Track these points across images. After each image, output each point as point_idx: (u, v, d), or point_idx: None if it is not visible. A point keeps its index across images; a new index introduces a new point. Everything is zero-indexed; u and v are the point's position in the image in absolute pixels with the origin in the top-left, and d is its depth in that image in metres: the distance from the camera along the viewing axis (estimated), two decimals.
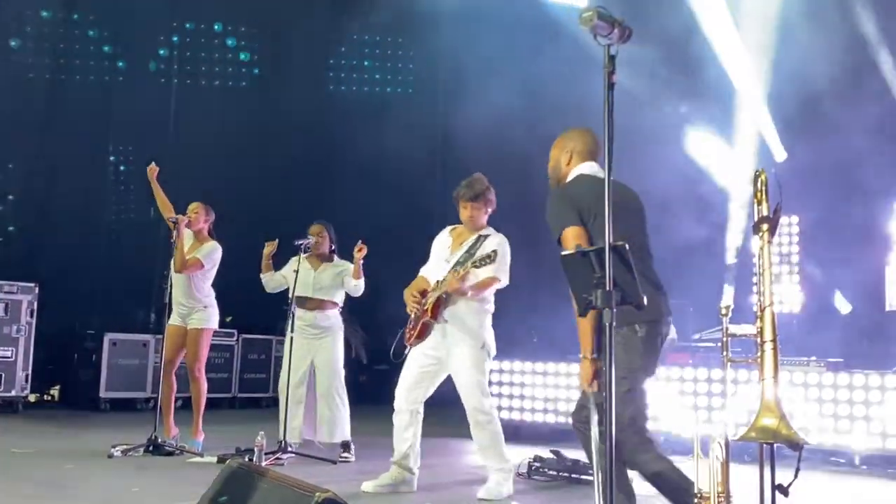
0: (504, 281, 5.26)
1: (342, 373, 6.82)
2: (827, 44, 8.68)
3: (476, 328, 5.22)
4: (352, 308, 7.13)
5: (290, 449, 6.33)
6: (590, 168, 3.76)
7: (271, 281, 6.80)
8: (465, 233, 5.40)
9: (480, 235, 5.33)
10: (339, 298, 6.86)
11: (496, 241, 5.28)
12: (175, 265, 6.59)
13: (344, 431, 6.68)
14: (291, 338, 6.48)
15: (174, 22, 13.86)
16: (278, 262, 6.88)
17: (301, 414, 6.66)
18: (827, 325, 9.17)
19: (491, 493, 5.14)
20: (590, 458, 3.46)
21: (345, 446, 6.65)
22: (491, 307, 5.36)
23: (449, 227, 5.59)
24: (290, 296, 6.53)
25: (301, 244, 6.59)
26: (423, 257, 5.57)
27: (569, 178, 3.77)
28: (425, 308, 5.19)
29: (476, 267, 5.02)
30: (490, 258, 5.04)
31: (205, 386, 6.79)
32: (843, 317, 9.57)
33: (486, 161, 7.15)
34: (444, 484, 5.75)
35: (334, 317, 6.84)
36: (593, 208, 3.44)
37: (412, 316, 5.31)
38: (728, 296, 9.89)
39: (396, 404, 5.34)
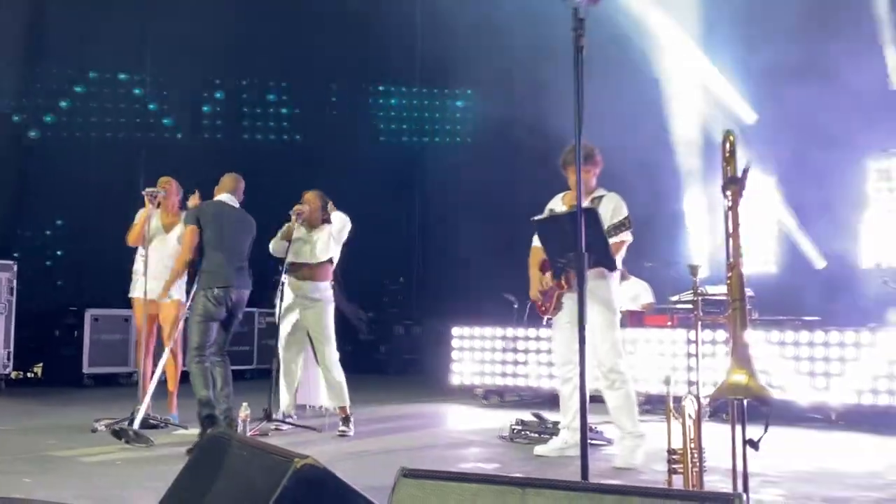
0: (630, 239, 5.17)
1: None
2: None
3: (606, 292, 5.15)
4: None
5: (273, 418, 6.36)
6: (225, 197, 6.14)
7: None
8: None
9: (594, 198, 5.19)
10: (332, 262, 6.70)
11: (614, 202, 5.20)
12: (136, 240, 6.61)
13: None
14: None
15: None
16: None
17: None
18: (804, 284, 9.26)
19: (626, 461, 5.06)
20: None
21: (345, 420, 6.45)
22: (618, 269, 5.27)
23: (559, 195, 5.47)
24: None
25: None
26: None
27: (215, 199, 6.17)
28: (560, 281, 5.16)
29: (611, 236, 4.91)
30: (624, 225, 4.96)
31: (181, 359, 6.71)
32: (819, 275, 9.67)
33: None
34: (432, 447, 5.82)
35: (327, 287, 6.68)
36: (208, 218, 5.95)
37: (543, 290, 5.31)
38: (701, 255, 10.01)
39: (559, 375, 5.43)
